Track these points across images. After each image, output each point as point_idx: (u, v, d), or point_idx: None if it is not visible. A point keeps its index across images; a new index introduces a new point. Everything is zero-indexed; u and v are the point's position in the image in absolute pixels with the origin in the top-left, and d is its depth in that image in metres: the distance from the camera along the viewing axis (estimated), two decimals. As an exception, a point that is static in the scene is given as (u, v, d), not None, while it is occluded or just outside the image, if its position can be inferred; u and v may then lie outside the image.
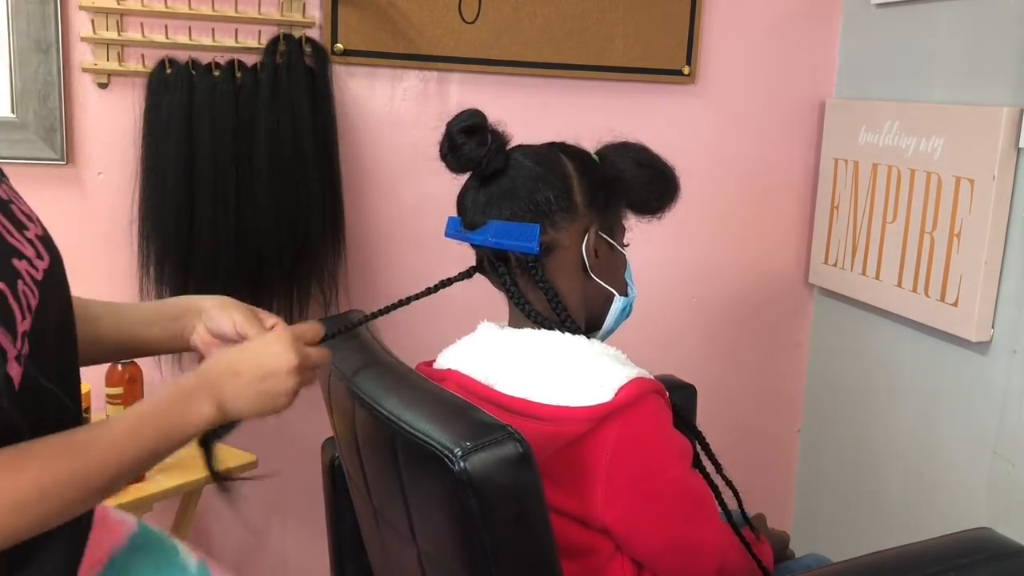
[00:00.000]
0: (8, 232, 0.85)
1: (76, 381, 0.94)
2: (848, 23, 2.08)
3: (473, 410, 0.93)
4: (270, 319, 1.04)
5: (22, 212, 0.90)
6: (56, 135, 1.63)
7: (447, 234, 1.15)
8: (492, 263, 1.13)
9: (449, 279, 1.15)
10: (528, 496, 0.89)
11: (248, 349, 0.92)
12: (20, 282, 0.83)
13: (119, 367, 1.54)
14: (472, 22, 1.83)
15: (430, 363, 1.19)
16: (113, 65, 1.65)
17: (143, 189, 1.66)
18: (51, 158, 1.64)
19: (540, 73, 1.89)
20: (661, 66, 1.97)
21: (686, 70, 1.98)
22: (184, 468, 1.53)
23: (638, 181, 1.17)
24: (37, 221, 0.91)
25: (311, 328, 0.98)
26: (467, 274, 1.17)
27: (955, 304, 1.73)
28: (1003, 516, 1.69)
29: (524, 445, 0.88)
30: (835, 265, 2.07)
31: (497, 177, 1.10)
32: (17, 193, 0.92)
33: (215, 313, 1.01)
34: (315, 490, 1.39)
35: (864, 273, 1.98)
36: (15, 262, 0.84)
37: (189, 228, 1.66)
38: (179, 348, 1.06)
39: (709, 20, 2.00)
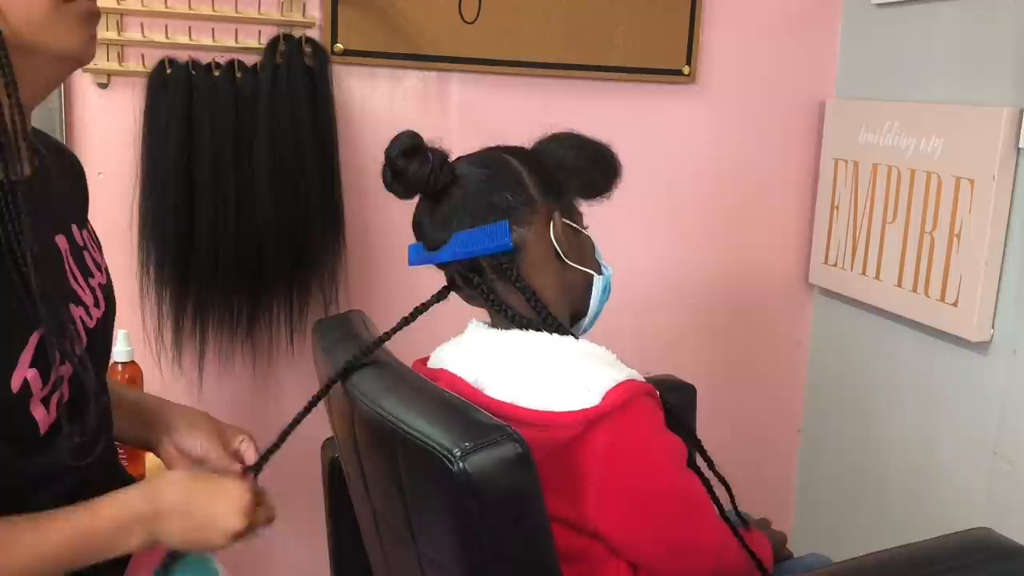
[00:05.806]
0: (74, 278, 0.87)
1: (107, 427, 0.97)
2: (848, 23, 2.08)
3: (472, 410, 0.93)
4: (237, 438, 1.10)
5: (92, 260, 0.93)
6: (56, 135, 1.62)
7: (411, 262, 1.14)
8: (465, 277, 1.11)
9: (424, 304, 1.13)
10: (527, 497, 0.89)
11: (205, 491, 0.95)
12: (70, 327, 0.85)
13: (119, 366, 1.54)
14: (472, 22, 1.83)
15: (425, 360, 1.18)
16: (113, 65, 1.65)
17: (143, 189, 1.66)
18: (51, 158, 1.64)
19: (540, 73, 1.89)
20: (661, 66, 1.97)
21: (686, 70, 1.98)
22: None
23: (580, 163, 1.17)
24: (104, 270, 0.95)
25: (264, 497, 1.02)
26: (441, 295, 1.16)
27: (955, 304, 1.73)
28: (1003, 516, 1.68)
29: (523, 446, 0.88)
30: (835, 265, 2.07)
31: (448, 191, 1.09)
32: (94, 239, 0.95)
33: (184, 434, 1.08)
34: (315, 490, 1.39)
35: (864, 273, 1.98)
36: (72, 307, 0.86)
37: (189, 228, 1.66)
38: (144, 449, 1.13)
39: (709, 20, 2.00)
